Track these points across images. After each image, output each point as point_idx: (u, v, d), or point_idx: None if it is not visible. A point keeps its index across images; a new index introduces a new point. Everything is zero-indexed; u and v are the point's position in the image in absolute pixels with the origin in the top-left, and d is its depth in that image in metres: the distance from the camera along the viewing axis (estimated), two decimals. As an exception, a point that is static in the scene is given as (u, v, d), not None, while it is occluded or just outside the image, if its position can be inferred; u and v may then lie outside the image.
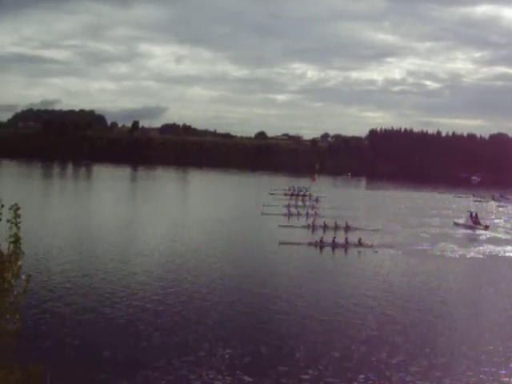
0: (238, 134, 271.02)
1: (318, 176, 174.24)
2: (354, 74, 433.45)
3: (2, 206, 11.12)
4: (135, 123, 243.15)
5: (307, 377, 23.46)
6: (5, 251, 11.10)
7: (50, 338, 25.82)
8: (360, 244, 53.53)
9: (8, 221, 11.12)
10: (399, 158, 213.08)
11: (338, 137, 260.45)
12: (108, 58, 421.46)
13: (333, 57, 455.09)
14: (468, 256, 53.67)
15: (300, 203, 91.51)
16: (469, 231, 71.10)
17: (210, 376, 22.83)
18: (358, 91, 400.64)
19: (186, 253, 47.90)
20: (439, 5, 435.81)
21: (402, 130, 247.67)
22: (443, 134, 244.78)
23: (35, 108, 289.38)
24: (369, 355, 26.14)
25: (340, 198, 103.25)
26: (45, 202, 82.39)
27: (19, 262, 11.34)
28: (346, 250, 53.00)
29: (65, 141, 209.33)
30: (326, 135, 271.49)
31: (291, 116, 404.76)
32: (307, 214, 76.93)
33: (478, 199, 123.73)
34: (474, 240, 65.09)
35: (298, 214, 76.75)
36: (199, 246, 51.02)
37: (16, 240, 11.18)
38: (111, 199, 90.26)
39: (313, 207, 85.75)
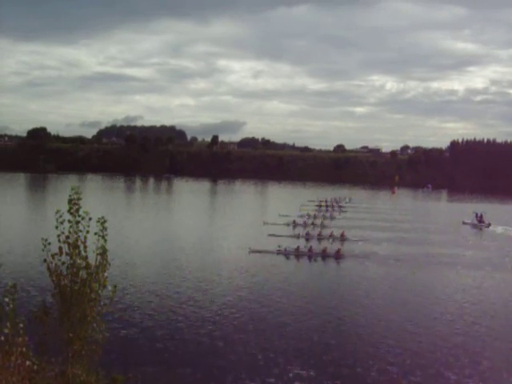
0: (317, 147, 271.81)
1: (397, 188, 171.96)
2: (434, 85, 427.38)
3: (90, 219, 11.59)
4: (214, 137, 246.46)
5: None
6: (92, 263, 11.57)
7: (136, 347, 26.41)
8: (337, 253, 52.37)
9: (96, 233, 11.61)
10: (482, 170, 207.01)
11: (417, 149, 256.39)
12: (188, 75, 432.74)
13: (412, 67, 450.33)
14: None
15: (317, 214, 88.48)
16: (475, 228, 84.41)
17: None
18: (438, 102, 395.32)
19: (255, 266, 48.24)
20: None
21: (485, 140, 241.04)
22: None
23: (118, 124, 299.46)
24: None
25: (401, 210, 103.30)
26: (128, 214, 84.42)
27: (106, 273, 11.79)
28: (319, 259, 52.04)
29: (147, 155, 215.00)
30: (405, 147, 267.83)
31: (370, 128, 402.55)
32: (313, 224, 74.45)
33: None
34: (478, 234, 78.35)
35: (305, 225, 73.80)
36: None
37: (103, 252, 11.64)
38: (192, 212, 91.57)
39: (331, 218, 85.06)
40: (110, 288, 12.01)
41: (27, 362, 10.79)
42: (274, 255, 51.71)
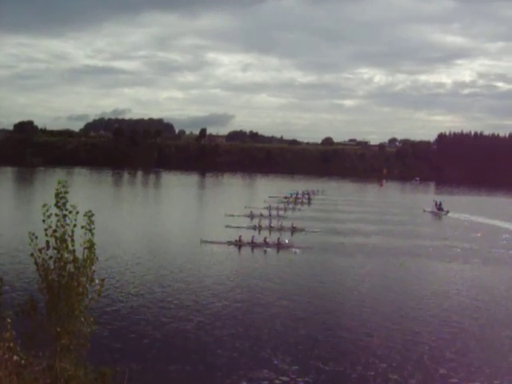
0: (305, 140, 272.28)
1: (385, 181, 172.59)
2: (423, 78, 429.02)
3: (77, 212, 11.51)
4: (203, 131, 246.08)
5: None
6: (80, 257, 11.50)
7: (124, 341, 26.34)
8: (278, 244, 53.39)
9: (82, 227, 11.53)
10: (469, 163, 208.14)
11: (405, 141, 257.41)
12: (176, 68, 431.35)
13: (401, 60, 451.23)
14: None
15: (279, 206, 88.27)
16: (435, 215, 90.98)
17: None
18: (426, 95, 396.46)
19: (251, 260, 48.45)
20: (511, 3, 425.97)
21: (472, 133, 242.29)
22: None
23: (106, 117, 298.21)
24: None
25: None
26: (116, 208, 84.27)
27: (93, 267, 11.73)
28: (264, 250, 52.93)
29: (135, 149, 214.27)
30: (393, 140, 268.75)
31: (358, 121, 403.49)
32: (269, 216, 74.07)
33: None
34: (437, 221, 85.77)
35: (261, 217, 72.45)
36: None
37: (90, 246, 11.55)
38: (180, 206, 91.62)
39: (294, 210, 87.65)
40: (97, 282, 11.96)
41: (14, 357, 10.72)
42: (224, 245, 52.75)
